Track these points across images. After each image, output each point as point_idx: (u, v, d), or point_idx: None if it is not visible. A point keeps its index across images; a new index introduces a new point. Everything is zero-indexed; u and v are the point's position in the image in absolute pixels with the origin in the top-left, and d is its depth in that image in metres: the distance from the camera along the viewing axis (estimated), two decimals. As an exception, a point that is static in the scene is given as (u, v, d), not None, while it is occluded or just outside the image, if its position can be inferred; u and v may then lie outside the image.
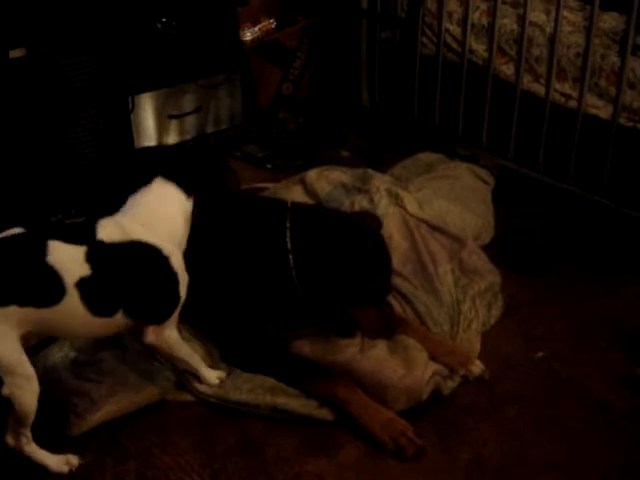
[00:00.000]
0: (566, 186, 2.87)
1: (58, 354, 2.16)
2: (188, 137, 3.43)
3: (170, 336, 1.98)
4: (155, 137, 3.32)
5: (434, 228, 2.56)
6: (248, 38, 3.66)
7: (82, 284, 1.76)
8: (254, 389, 2.08)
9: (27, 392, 1.78)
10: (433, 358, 2.13)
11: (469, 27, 3.05)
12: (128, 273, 1.84)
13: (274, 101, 3.71)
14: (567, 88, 2.82)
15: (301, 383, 2.08)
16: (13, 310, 1.71)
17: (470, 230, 2.66)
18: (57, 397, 2.04)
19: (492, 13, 2.96)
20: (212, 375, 2.12)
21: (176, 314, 1.95)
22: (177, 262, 1.89)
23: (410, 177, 2.92)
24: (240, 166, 3.20)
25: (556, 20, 2.75)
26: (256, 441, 2.00)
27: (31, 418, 1.82)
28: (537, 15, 2.90)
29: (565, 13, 2.79)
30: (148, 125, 3.28)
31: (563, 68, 2.81)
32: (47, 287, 1.75)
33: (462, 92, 3.14)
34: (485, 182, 2.98)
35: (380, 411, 2.00)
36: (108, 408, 2.03)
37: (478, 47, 3.07)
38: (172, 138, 3.38)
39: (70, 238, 1.80)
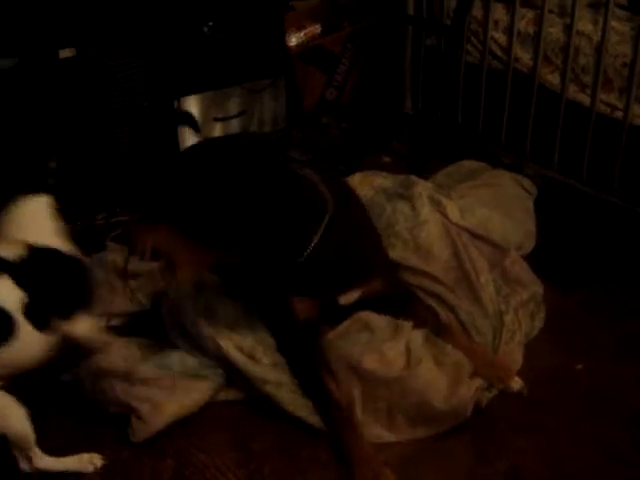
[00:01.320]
0: (610, 198, 2.84)
1: (104, 362, 2.14)
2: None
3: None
4: (199, 139, 3.34)
5: (475, 236, 2.55)
6: (293, 43, 3.67)
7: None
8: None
9: (13, 418, 1.79)
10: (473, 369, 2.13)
11: (515, 35, 3.04)
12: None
13: (318, 106, 3.72)
14: (613, 98, 2.80)
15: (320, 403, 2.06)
16: None
17: (512, 239, 2.64)
18: (113, 404, 2.07)
19: (538, 22, 2.95)
20: None
21: None
22: None
23: (452, 184, 2.91)
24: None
25: (603, 30, 2.72)
26: (294, 443, 2.01)
27: (30, 438, 1.83)
28: (584, 24, 2.87)
29: (613, 23, 2.76)
30: (193, 127, 3.32)
31: (609, 78, 2.78)
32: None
33: (507, 100, 3.13)
34: (527, 191, 2.95)
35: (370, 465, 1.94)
36: (172, 410, 2.05)
37: (523, 55, 3.05)
38: (216, 141, 3.41)
39: None
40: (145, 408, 2.03)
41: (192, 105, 3.26)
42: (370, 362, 2.07)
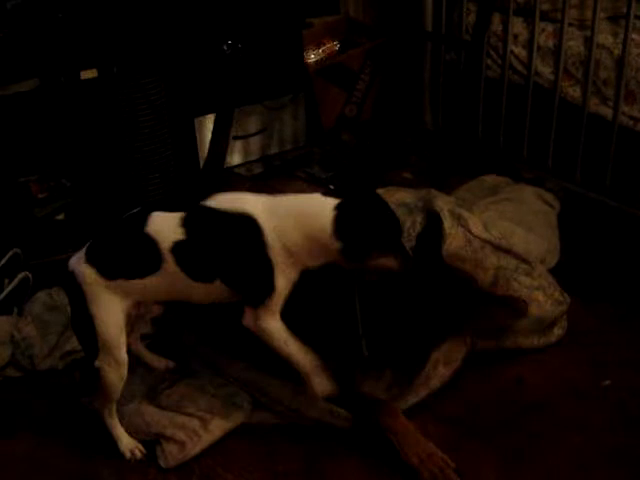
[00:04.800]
0: (634, 210, 2.82)
1: (134, 386, 2.15)
2: (252, 158, 3.47)
3: (268, 327, 1.88)
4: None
5: (499, 248, 2.53)
6: (312, 60, 3.69)
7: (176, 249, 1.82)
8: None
9: (114, 374, 1.90)
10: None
11: (535, 49, 3.03)
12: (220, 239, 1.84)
13: (337, 123, 3.73)
14: (635, 111, 2.78)
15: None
16: (120, 283, 1.83)
17: (535, 253, 2.61)
18: (146, 429, 2.07)
19: (558, 35, 2.94)
20: (323, 388, 1.98)
21: (273, 304, 1.85)
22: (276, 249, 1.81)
23: (474, 199, 2.89)
24: (304, 187, 3.23)
25: (624, 42, 2.72)
26: (319, 464, 1.99)
27: (114, 397, 1.95)
28: (604, 37, 2.86)
29: (633, 35, 2.74)
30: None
31: (631, 91, 2.77)
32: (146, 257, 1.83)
33: (527, 114, 3.12)
34: (550, 205, 2.93)
35: (420, 444, 1.94)
36: (206, 438, 2.05)
37: (544, 69, 3.05)
38: (236, 159, 3.42)
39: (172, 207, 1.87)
40: (180, 435, 2.04)
41: (212, 123, 3.28)
42: None
